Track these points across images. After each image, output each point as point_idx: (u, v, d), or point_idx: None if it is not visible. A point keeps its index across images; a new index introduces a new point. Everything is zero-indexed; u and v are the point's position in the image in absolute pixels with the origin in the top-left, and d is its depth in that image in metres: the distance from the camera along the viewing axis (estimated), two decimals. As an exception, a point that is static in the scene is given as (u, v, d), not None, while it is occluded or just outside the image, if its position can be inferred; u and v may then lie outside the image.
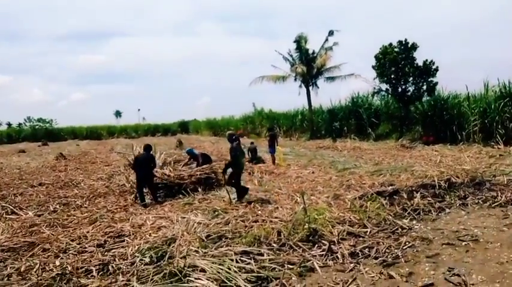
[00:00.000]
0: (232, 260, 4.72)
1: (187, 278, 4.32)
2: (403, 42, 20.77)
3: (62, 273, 4.80)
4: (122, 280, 4.47)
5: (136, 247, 5.55)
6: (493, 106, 17.00)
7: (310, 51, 28.21)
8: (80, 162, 18.55)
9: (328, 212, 6.65)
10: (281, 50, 30.30)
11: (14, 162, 19.68)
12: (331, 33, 26.80)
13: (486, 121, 16.97)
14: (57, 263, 5.17)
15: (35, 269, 4.99)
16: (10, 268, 5.13)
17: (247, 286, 4.17)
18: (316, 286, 4.24)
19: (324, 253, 5.04)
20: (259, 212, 7.24)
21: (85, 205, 8.96)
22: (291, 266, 4.68)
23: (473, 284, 3.99)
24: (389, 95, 22.65)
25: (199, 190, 9.66)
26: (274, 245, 5.34)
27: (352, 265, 4.69)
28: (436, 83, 20.49)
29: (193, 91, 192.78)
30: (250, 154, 15.27)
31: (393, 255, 4.88)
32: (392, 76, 21.04)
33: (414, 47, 20.71)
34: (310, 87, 28.66)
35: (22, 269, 5.03)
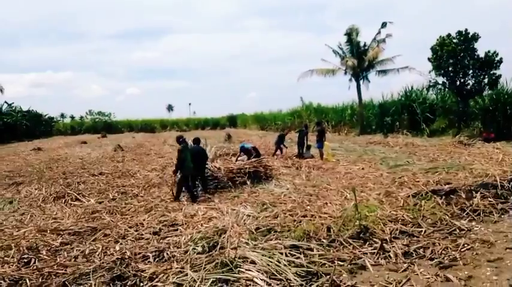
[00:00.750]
0: (281, 253, 4.76)
1: (238, 269, 4.42)
2: (463, 33, 19.56)
3: (121, 258, 5.11)
4: (177, 267, 4.67)
5: (189, 236, 5.78)
6: None
7: (362, 44, 27.48)
8: (136, 153, 19.52)
9: (380, 210, 6.49)
10: (330, 43, 29.81)
11: (77, 152, 21.11)
12: (384, 25, 25.91)
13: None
14: (117, 248, 5.53)
15: (97, 253, 5.37)
16: (76, 250, 5.56)
17: (297, 280, 4.18)
18: (368, 284, 4.17)
19: (375, 251, 4.93)
20: (308, 207, 7.21)
21: (141, 194, 9.46)
22: (341, 263, 4.63)
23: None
24: (446, 89, 21.53)
25: (248, 183, 9.81)
26: (324, 240, 5.31)
27: (405, 265, 4.55)
28: (499, 76, 19.15)
29: (241, 86, 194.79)
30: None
31: (450, 257, 4.68)
32: (450, 69, 19.95)
33: (475, 37, 19.43)
34: (361, 81, 27.97)
35: (86, 252, 5.43)
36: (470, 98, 20.28)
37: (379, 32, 26.33)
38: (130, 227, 6.57)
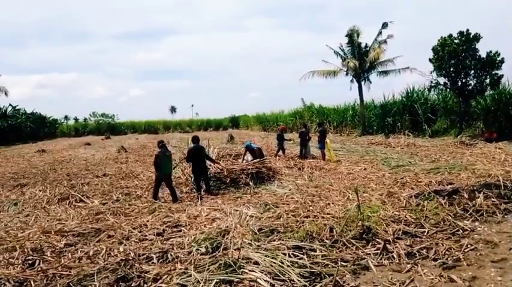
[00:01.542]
0: (284, 254, 4.78)
1: (242, 269, 4.44)
2: (464, 33, 19.52)
3: (125, 259, 5.13)
4: (180, 268, 4.69)
5: (193, 237, 5.79)
6: None
7: (363, 45, 27.43)
8: (139, 155, 19.57)
9: (382, 210, 6.50)
10: (332, 44, 29.79)
11: (81, 154, 21.19)
12: (384, 25, 25.84)
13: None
14: (121, 249, 5.54)
15: (101, 254, 5.38)
16: (80, 251, 5.57)
17: (300, 281, 4.20)
18: (371, 285, 4.18)
19: (378, 251, 4.95)
20: (311, 207, 7.22)
21: (144, 195, 9.48)
22: (344, 264, 4.65)
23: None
24: (448, 89, 21.46)
25: (251, 183, 9.83)
26: (327, 241, 5.32)
27: (409, 265, 4.56)
28: (501, 76, 19.10)
29: (243, 86, 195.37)
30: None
31: (454, 257, 4.68)
32: (451, 69, 19.90)
33: (477, 37, 19.38)
34: (362, 82, 27.90)
35: (91, 253, 5.45)
36: (471, 99, 20.23)
37: (380, 33, 26.28)
38: (134, 228, 6.59)
